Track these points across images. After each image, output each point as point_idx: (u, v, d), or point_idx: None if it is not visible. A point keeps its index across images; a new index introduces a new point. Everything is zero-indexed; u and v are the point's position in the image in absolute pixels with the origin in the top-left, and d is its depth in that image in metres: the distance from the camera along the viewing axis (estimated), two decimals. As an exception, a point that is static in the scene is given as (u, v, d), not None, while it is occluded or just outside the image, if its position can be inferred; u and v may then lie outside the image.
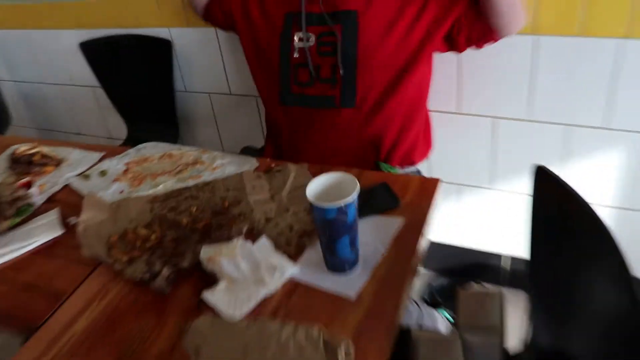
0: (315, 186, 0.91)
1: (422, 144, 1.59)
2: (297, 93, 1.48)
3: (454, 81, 1.64)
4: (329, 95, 1.44)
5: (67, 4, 2.15)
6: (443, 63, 1.58)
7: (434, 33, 1.37)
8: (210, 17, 1.67)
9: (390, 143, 1.49)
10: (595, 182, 1.62)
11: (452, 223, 1.93)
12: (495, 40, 1.37)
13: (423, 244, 1.04)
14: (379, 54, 1.39)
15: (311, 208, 0.89)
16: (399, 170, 1.52)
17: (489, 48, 1.46)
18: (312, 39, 1.42)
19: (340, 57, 1.39)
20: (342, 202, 0.85)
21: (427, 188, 1.16)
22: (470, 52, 1.52)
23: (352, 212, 0.88)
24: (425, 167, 1.81)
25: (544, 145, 1.62)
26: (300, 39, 1.43)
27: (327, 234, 0.90)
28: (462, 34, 1.37)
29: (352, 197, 0.86)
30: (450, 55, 1.54)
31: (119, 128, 2.37)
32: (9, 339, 0.96)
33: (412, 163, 1.56)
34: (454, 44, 1.41)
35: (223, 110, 2.15)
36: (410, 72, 1.40)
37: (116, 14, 2.08)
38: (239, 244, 0.95)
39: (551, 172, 0.92)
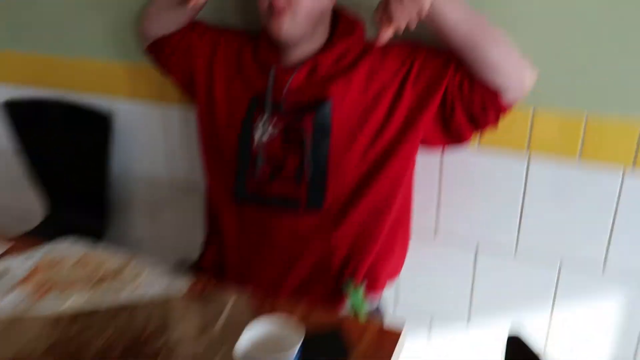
0: (250, 337, 0.90)
1: (395, 260, 1.59)
2: (254, 191, 1.50)
3: (434, 199, 1.70)
4: (291, 197, 1.46)
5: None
6: (423, 177, 1.64)
7: (418, 116, 1.40)
8: (161, 52, 1.67)
9: (358, 255, 1.50)
10: (585, 333, 1.66)
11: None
12: (503, 108, 1.37)
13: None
14: (354, 150, 1.42)
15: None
16: (366, 304, 1.51)
17: (474, 166, 1.58)
18: (276, 130, 1.46)
19: (310, 152, 1.42)
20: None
21: (387, 340, 1.16)
22: (454, 168, 1.65)
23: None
24: (392, 294, 1.85)
25: (532, 284, 1.65)
26: (264, 129, 1.47)
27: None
28: (458, 106, 1.38)
29: (292, 353, 0.85)
30: (431, 171, 1.63)
31: (36, 207, 2.36)
32: None
33: (378, 283, 1.56)
34: (451, 126, 1.42)
35: (164, 203, 2.16)
36: (385, 168, 1.43)
37: (53, 74, 2.12)
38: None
39: (526, 343, 0.94)
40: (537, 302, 1.67)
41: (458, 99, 1.36)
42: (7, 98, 2.19)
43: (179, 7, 1.51)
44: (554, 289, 1.64)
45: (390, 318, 1.82)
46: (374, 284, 1.55)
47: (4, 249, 1.47)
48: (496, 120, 1.39)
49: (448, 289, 1.78)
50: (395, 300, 1.86)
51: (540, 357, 0.97)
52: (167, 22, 1.58)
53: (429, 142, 1.46)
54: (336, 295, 1.50)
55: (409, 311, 1.86)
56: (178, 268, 1.49)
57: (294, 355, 0.87)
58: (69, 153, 2.18)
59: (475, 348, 1.82)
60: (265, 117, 1.47)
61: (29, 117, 2.20)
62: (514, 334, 1.01)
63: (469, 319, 1.79)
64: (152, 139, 2.06)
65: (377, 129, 1.42)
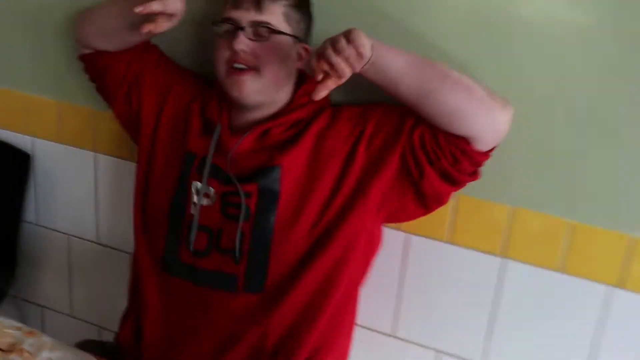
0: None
1: (337, 354, 1.49)
2: (187, 262, 1.41)
3: (393, 295, 1.60)
4: (228, 273, 1.38)
5: None
6: (381, 270, 1.54)
7: (370, 182, 1.32)
8: (101, 70, 1.56)
9: (295, 342, 1.39)
10: None
11: None
12: (477, 157, 1.28)
13: None
14: (300, 222, 1.35)
15: None
16: None
17: (443, 262, 1.49)
18: (215, 196, 1.39)
19: (253, 224, 1.35)
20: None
21: None
22: (418, 261, 1.55)
23: None
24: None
25: None
26: (201, 192, 1.40)
27: None
28: (426, 166, 1.29)
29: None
30: (394, 263, 1.54)
31: None
32: None
33: None
34: (424, 190, 1.32)
35: (84, 262, 2.04)
36: (331, 243, 1.35)
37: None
38: None
39: None
40: None
41: (423, 157, 1.27)
42: None
43: (130, 27, 1.39)
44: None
45: None
46: None
47: None
48: (473, 171, 1.31)
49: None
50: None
51: None
52: (112, 36, 1.47)
53: (403, 214, 1.39)
54: None
55: None
56: (86, 347, 1.40)
57: None
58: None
59: None
60: (204, 179, 1.40)
61: None
62: None
63: None
64: (79, 188, 1.95)
65: (326, 200, 1.35)
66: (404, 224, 1.51)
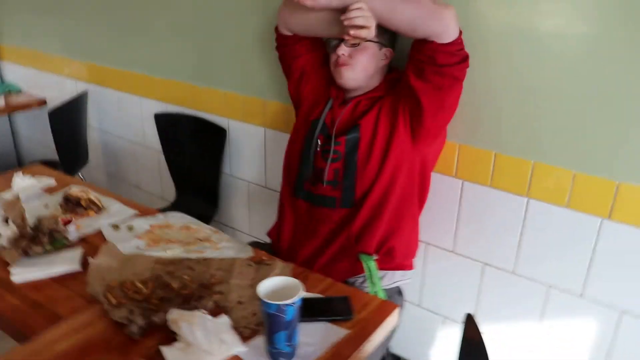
0: (271, 284, 1.11)
1: (404, 242, 1.68)
2: (307, 190, 1.66)
3: (452, 223, 1.81)
4: (330, 196, 1.61)
5: (156, 78, 2.55)
6: (445, 208, 1.77)
7: (399, 110, 1.54)
8: (288, 54, 1.74)
9: (375, 238, 1.61)
10: (565, 349, 1.70)
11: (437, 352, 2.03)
12: (445, 48, 1.41)
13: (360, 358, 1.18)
14: (373, 157, 1.56)
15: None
16: (381, 273, 1.62)
17: (486, 201, 1.66)
18: (319, 146, 1.63)
19: (343, 163, 1.57)
20: (282, 302, 1.04)
21: (383, 310, 1.29)
22: (470, 201, 1.73)
23: (291, 312, 1.06)
24: (417, 295, 1.96)
25: (525, 300, 1.71)
26: (313, 145, 1.64)
27: (267, 326, 1.08)
28: (410, 72, 1.47)
29: (292, 300, 1.05)
30: (453, 200, 1.75)
31: (171, 192, 2.66)
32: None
33: (392, 259, 1.65)
34: (417, 94, 1.48)
35: (256, 199, 2.37)
36: (386, 166, 1.54)
37: (190, 97, 2.42)
38: (198, 315, 1.15)
39: (475, 321, 1.10)
40: (529, 314, 1.74)
41: (414, 78, 1.47)
42: (157, 111, 2.54)
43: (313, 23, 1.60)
44: (542, 304, 1.70)
45: (412, 304, 1.95)
46: (388, 259, 1.64)
47: (135, 213, 1.76)
48: (458, 61, 1.43)
49: (459, 293, 1.87)
50: (419, 296, 1.97)
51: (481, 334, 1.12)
52: (301, 24, 1.64)
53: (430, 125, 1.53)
54: (357, 269, 1.62)
55: (428, 306, 1.97)
56: (253, 244, 1.68)
57: (295, 303, 1.06)
58: (195, 155, 2.44)
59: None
60: (315, 135, 1.63)
61: (170, 126, 2.50)
62: (471, 314, 1.17)
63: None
64: (254, 151, 2.29)
65: (385, 139, 1.55)
66: (460, 174, 1.73)
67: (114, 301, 1.26)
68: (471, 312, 1.76)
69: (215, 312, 1.22)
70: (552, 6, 1.45)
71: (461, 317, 1.81)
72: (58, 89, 3.15)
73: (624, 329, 1.57)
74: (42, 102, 3.35)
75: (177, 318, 1.15)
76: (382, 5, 1.42)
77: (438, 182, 1.76)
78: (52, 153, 3.13)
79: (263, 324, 1.13)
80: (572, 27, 1.44)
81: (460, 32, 1.43)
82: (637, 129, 1.41)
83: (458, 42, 1.43)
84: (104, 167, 3.13)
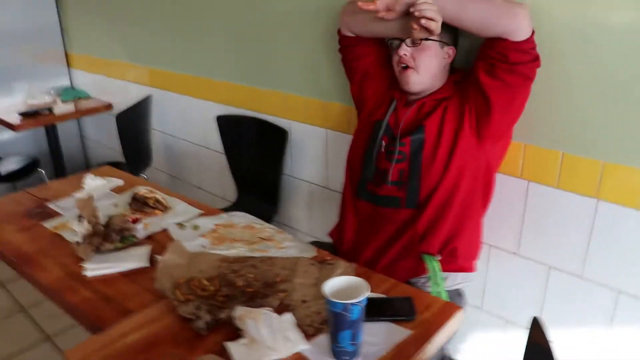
0: (337, 283, 1.11)
1: (467, 242, 1.66)
2: (370, 190, 1.66)
3: (517, 225, 1.76)
4: (395, 196, 1.61)
5: (216, 81, 2.60)
6: (509, 209, 1.74)
7: (466, 110, 1.53)
8: (350, 55, 1.75)
9: (438, 238, 1.60)
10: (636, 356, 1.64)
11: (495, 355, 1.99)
12: (518, 46, 1.40)
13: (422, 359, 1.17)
14: (438, 157, 1.55)
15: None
16: (444, 275, 1.60)
17: (553, 202, 1.62)
18: (383, 147, 1.62)
19: (408, 164, 1.57)
20: (348, 301, 1.04)
21: (446, 312, 1.28)
22: (536, 203, 1.68)
23: (357, 311, 1.06)
24: (479, 298, 1.93)
25: (594, 305, 1.66)
26: (377, 146, 1.64)
27: (332, 324, 1.09)
28: (481, 69, 1.46)
29: (358, 299, 1.05)
30: (519, 201, 1.71)
31: (232, 192, 2.70)
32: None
33: (455, 260, 1.64)
34: (486, 92, 1.47)
35: (317, 200, 2.38)
36: (451, 167, 1.54)
37: (251, 99, 2.45)
38: (263, 312, 1.17)
39: (542, 325, 1.07)
40: (597, 319, 1.68)
41: (485, 76, 1.46)
42: (218, 113, 2.58)
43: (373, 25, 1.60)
44: (611, 311, 1.64)
45: (474, 307, 1.91)
46: (451, 260, 1.63)
47: (199, 213, 1.80)
48: (531, 59, 1.42)
49: (523, 297, 1.83)
50: (481, 300, 1.94)
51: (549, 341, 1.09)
52: (363, 27, 1.65)
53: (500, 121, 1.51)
54: (420, 269, 1.61)
55: (490, 310, 1.93)
56: (314, 243, 1.68)
57: (361, 302, 1.06)
58: (257, 156, 2.48)
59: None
60: (379, 136, 1.63)
61: (231, 128, 2.55)
62: (538, 318, 1.14)
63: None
64: (316, 152, 2.30)
65: (450, 141, 1.55)
66: (526, 174, 1.68)
67: (181, 297, 1.29)
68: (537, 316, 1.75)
69: (279, 310, 1.24)
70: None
71: (524, 321, 1.83)
72: (123, 94, 3.26)
73: None
74: (109, 107, 3.48)
75: (243, 315, 1.16)
76: (452, 5, 1.42)
77: (502, 182, 1.72)
78: (117, 155, 3.27)
79: (327, 322, 1.13)
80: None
81: (533, 31, 1.42)
82: None
83: (531, 41, 1.41)
84: (166, 168, 3.22)
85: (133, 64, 3.14)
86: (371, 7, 1.39)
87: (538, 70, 1.47)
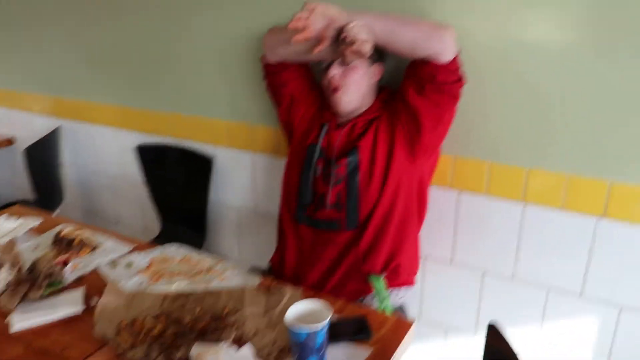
0: (296, 310, 1.08)
1: (408, 258, 1.68)
2: (309, 215, 1.65)
3: (450, 236, 1.81)
4: (335, 219, 1.60)
5: (131, 109, 2.49)
6: (442, 219, 1.78)
7: (396, 128, 1.55)
8: (277, 81, 1.73)
9: (381, 256, 1.61)
10: (568, 348, 1.71)
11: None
12: (447, 67, 1.43)
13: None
14: (374, 176, 1.56)
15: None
16: (389, 291, 1.62)
17: (483, 209, 1.67)
18: (319, 171, 1.62)
19: (346, 185, 1.57)
20: (312, 328, 1.02)
21: (400, 327, 1.29)
22: (466, 212, 1.73)
23: (321, 337, 1.04)
24: (417, 309, 1.95)
25: (525, 305, 1.73)
26: (312, 169, 1.63)
27: (298, 353, 1.06)
28: (410, 90, 1.49)
29: (322, 324, 1.03)
30: (449, 211, 1.75)
31: (155, 224, 2.59)
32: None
33: (398, 276, 1.65)
34: (415, 111, 1.50)
35: (247, 225, 2.33)
36: (387, 185, 1.55)
37: (173, 126, 2.37)
38: (223, 348, 1.11)
39: (500, 331, 1.09)
40: (529, 318, 1.75)
41: (415, 97, 1.49)
42: (139, 143, 2.48)
43: (297, 51, 1.59)
44: (542, 307, 1.72)
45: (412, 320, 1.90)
46: (395, 277, 1.64)
47: (131, 248, 1.71)
48: (455, 80, 1.46)
49: (460, 304, 1.87)
50: (419, 310, 1.97)
51: (511, 344, 1.11)
52: (287, 52, 1.63)
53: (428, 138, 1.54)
54: (366, 288, 1.61)
55: (429, 319, 1.96)
56: (252, 270, 1.64)
57: (325, 326, 1.04)
58: (181, 184, 2.39)
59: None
60: (314, 160, 1.63)
61: (153, 157, 2.45)
62: (493, 323, 1.16)
63: (475, 331, 1.88)
64: (242, 177, 2.25)
65: (385, 159, 1.56)
66: (456, 184, 1.73)
67: (127, 342, 1.21)
68: (479, 321, 1.79)
69: (234, 343, 1.19)
70: (538, 16, 1.49)
71: (463, 328, 1.88)
72: (28, 127, 3.05)
73: (623, 325, 1.61)
74: (10, 142, 3.25)
75: (202, 353, 1.10)
76: (382, 29, 1.42)
77: (434, 194, 1.76)
78: (24, 193, 3.04)
79: (290, 351, 1.10)
80: (558, 35, 1.48)
81: (458, 52, 1.46)
82: (625, 131, 1.46)
83: (456, 61, 1.46)
84: (81, 204, 3.04)
85: (37, 94, 2.95)
86: (302, 36, 1.36)
87: (464, 87, 1.52)
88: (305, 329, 1.02)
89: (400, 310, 1.71)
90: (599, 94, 1.46)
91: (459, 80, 1.48)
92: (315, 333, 1.03)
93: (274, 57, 1.68)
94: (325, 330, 1.05)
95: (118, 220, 2.87)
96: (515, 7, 1.50)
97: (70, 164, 2.95)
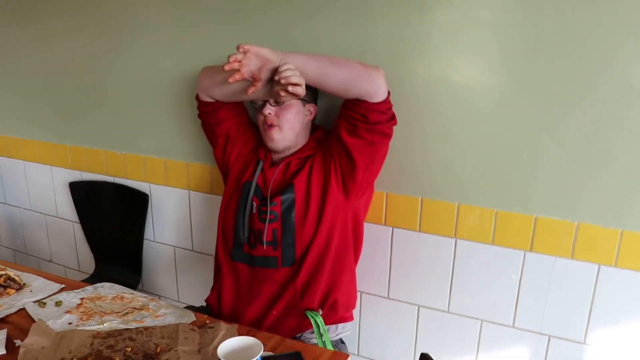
0: (228, 345, 1.08)
1: (345, 294, 1.68)
2: (246, 252, 1.65)
3: (385, 270, 1.84)
4: (271, 256, 1.61)
5: (64, 146, 2.44)
6: (377, 255, 1.81)
7: (330, 169, 1.58)
8: (211, 120, 1.71)
9: (318, 293, 1.61)
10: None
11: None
12: (374, 106, 1.45)
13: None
14: (309, 213, 1.58)
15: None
16: (326, 327, 1.61)
17: (416, 245, 1.70)
18: (254, 209, 1.62)
19: (281, 223, 1.58)
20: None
21: None
22: (401, 247, 1.76)
23: (254, 373, 1.04)
24: (355, 344, 1.96)
25: (462, 336, 1.76)
26: (248, 207, 1.64)
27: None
28: (343, 129, 1.51)
29: (254, 359, 1.02)
30: (385, 247, 1.78)
31: (89, 263, 2.52)
32: None
33: (336, 313, 1.66)
34: (349, 150, 1.52)
35: (184, 264, 2.29)
36: (322, 223, 1.57)
37: (107, 163, 2.33)
38: (154, 387, 1.09)
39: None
40: (465, 349, 1.78)
41: (346, 135, 1.51)
42: (71, 180, 2.44)
43: (233, 91, 1.59)
44: (477, 339, 1.76)
45: (352, 354, 1.85)
46: (332, 313, 1.65)
47: (61, 287, 1.65)
48: (388, 118, 1.49)
49: (397, 337, 1.89)
50: (357, 345, 1.97)
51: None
52: (222, 91, 1.63)
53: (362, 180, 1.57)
54: (304, 325, 1.61)
55: (367, 353, 1.97)
56: (187, 308, 1.62)
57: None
58: (115, 222, 2.35)
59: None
60: (249, 197, 1.64)
61: (87, 194, 2.41)
62: (425, 353, 1.19)
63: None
64: (179, 215, 2.23)
65: (320, 196, 1.58)
66: (389, 221, 1.76)
67: (53, 383, 1.16)
68: (416, 353, 1.81)
69: (166, 383, 1.16)
70: (465, 61, 1.56)
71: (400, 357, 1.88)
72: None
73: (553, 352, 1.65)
74: None
75: (131, 392, 1.08)
76: (314, 70, 1.45)
77: (370, 231, 1.78)
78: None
79: (222, 388, 1.09)
80: (483, 78, 1.55)
81: (389, 92, 1.49)
82: (545, 168, 1.53)
83: (387, 101, 1.49)
84: (9, 243, 2.92)
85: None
86: (237, 77, 1.37)
87: (395, 126, 1.56)
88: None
89: (340, 344, 1.72)
90: (520, 133, 1.53)
91: (390, 120, 1.51)
92: (248, 368, 1.02)
93: (208, 97, 1.68)
94: (257, 366, 1.04)
95: (50, 260, 2.77)
96: (443, 53, 1.57)
97: (0, 202, 2.84)
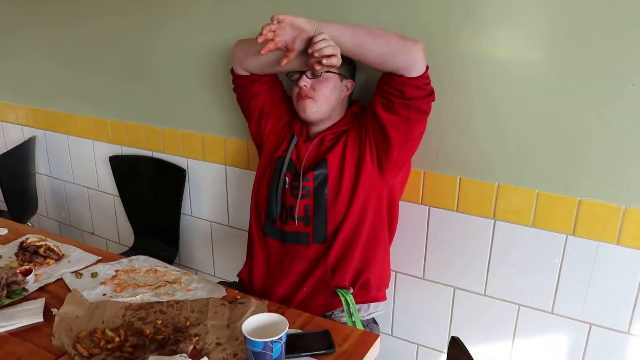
0: (254, 321, 1.07)
1: (377, 273, 1.66)
2: (278, 228, 1.64)
3: (421, 250, 1.80)
4: (303, 232, 1.60)
5: (105, 120, 2.49)
6: (414, 234, 1.78)
7: (365, 143, 1.54)
8: (246, 94, 1.70)
9: (349, 271, 1.60)
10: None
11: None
12: (411, 81, 1.41)
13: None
14: (342, 190, 1.56)
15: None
16: (358, 306, 1.60)
17: (454, 225, 1.66)
18: (287, 183, 1.61)
19: (313, 199, 1.57)
20: (268, 339, 1.01)
21: (365, 341, 1.27)
22: (438, 227, 1.72)
23: (278, 349, 1.03)
24: (389, 324, 1.94)
25: (498, 321, 1.72)
26: (281, 182, 1.63)
27: (254, 364, 1.04)
28: (379, 104, 1.47)
29: (278, 336, 1.01)
30: (421, 227, 1.75)
31: (128, 236, 2.58)
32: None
33: (368, 292, 1.64)
34: (384, 126, 1.48)
35: (220, 239, 2.32)
36: (355, 200, 1.54)
37: (147, 138, 2.37)
38: (178, 359, 1.10)
39: (462, 344, 1.08)
40: (500, 334, 1.74)
41: (382, 111, 1.47)
42: (112, 154, 2.48)
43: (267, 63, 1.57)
44: (514, 324, 1.71)
45: (384, 334, 1.91)
46: (364, 292, 1.64)
47: (97, 259, 1.69)
48: (426, 94, 1.45)
49: (431, 319, 1.87)
50: (391, 325, 1.96)
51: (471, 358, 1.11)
52: (256, 63, 1.62)
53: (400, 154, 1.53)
54: (334, 302, 1.60)
55: (401, 334, 1.95)
56: (220, 283, 1.63)
57: (282, 339, 1.03)
58: (154, 197, 2.39)
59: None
60: (283, 173, 1.63)
61: (126, 168, 2.45)
62: (455, 337, 1.16)
63: (446, 346, 1.82)
64: (214, 190, 2.25)
65: (353, 172, 1.56)
66: (426, 200, 1.73)
67: (85, 352, 1.19)
68: (450, 336, 1.78)
69: (193, 355, 1.18)
70: (511, 35, 1.50)
71: (434, 344, 1.87)
72: (1, 137, 3.03)
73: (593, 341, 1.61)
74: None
75: (156, 364, 1.09)
76: (350, 41, 1.41)
77: (405, 210, 1.75)
78: (-3, 203, 3.01)
79: (248, 363, 1.08)
80: (530, 52, 1.48)
81: (427, 67, 1.44)
82: (592, 149, 1.46)
83: (425, 76, 1.44)
84: (55, 215, 3.01)
85: (11, 103, 2.94)
86: (271, 46, 1.36)
87: (434, 102, 1.52)
88: (262, 340, 1.01)
89: (372, 324, 1.70)
90: (567, 112, 1.46)
91: (428, 96, 1.47)
92: (272, 345, 1.01)
93: (243, 70, 1.67)
94: (282, 343, 1.03)
95: (92, 232, 2.84)
96: (489, 26, 1.52)
97: (46, 175, 2.93)
